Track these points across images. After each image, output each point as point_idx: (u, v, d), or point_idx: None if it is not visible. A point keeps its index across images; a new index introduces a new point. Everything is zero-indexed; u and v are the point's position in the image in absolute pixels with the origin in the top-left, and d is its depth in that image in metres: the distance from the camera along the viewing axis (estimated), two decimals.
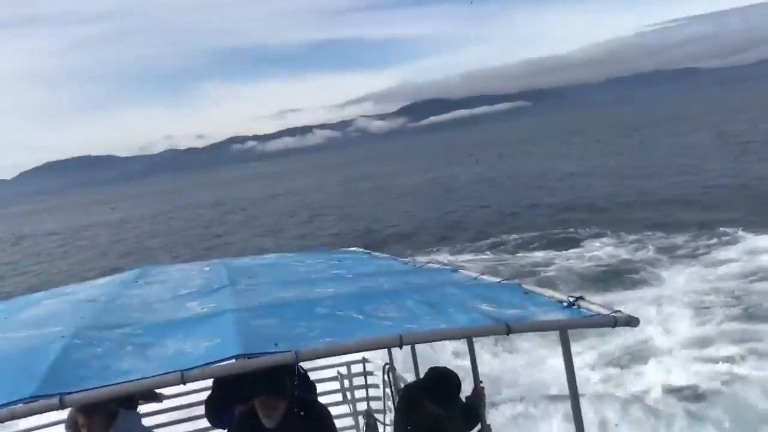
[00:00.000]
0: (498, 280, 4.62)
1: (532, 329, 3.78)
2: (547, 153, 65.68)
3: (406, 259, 6.52)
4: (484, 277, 4.84)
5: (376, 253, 7.16)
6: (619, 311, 3.30)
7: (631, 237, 20.92)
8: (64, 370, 2.88)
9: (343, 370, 7.17)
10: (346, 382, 7.12)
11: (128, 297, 5.04)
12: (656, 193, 28.51)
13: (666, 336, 12.17)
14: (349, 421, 7.07)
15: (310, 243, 30.80)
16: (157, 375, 2.75)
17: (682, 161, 38.85)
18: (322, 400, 7.01)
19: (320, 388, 7.36)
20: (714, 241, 18.66)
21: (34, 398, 2.54)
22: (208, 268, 6.44)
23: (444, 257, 22.31)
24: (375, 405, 6.86)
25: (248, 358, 2.84)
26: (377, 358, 6.90)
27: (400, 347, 3.06)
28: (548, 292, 3.99)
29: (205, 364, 2.80)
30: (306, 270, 6.01)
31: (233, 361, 2.82)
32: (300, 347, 2.87)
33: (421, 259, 20.17)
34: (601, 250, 19.77)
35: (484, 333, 3.46)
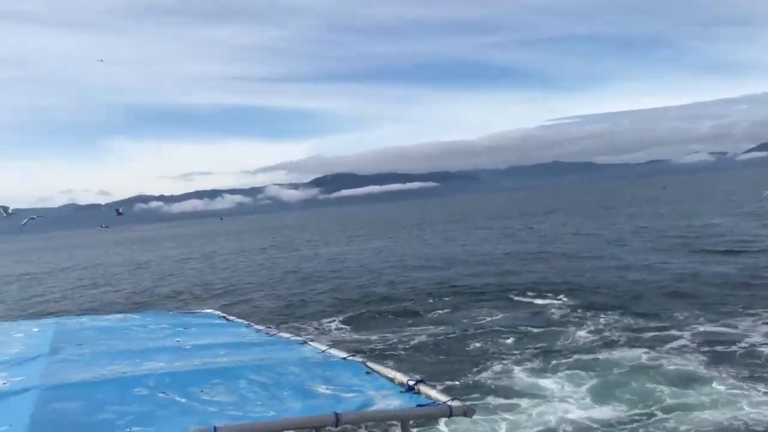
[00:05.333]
0: (344, 355, 4.47)
1: (362, 420, 3.55)
2: (453, 233, 67.35)
3: (259, 327, 6.25)
4: (332, 351, 4.71)
5: (232, 317, 6.82)
6: (456, 399, 3.23)
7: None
8: None
9: None
10: None
11: None
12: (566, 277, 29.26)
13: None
14: None
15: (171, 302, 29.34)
16: None
17: (582, 247, 40.61)
18: None
19: None
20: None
21: None
22: (36, 329, 6.03)
23: (321, 324, 21.93)
24: None
25: None
26: None
27: None
28: (391, 373, 3.89)
29: None
30: (145, 336, 5.64)
31: None
32: None
33: (284, 326, 19.54)
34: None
35: (313, 424, 3.25)
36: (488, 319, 20.85)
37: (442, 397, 3.19)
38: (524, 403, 12.46)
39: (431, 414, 3.14)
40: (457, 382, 14.13)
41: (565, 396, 12.74)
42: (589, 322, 19.02)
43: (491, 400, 12.83)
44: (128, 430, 2.79)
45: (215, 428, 2.76)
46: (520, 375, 14.33)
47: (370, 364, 4.20)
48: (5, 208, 16.00)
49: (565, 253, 37.61)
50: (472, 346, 17.36)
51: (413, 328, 20.29)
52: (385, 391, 3.55)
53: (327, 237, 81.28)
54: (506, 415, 11.89)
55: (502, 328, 19.15)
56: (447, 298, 25.12)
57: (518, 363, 15.30)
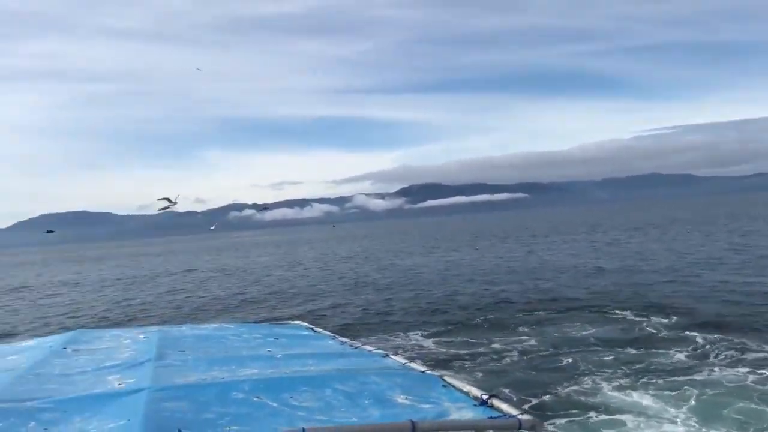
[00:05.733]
0: (423, 369, 4.72)
1: (436, 428, 3.74)
2: (542, 245, 65.81)
3: (344, 339, 6.59)
4: (412, 365, 4.93)
5: (319, 329, 7.22)
6: (526, 413, 3.35)
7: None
8: None
9: None
10: None
11: (51, 365, 4.98)
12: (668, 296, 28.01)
13: None
14: None
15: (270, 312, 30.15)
16: None
17: (682, 265, 38.61)
18: None
19: None
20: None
21: None
22: (142, 336, 6.48)
23: (406, 335, 21.86)
24: None
25: None
26: None
27: None
28: (466, 387, 4.08)
29: None
30: (239, 345, 6.06)
31: None
32: None
33: (367, 338, 19.71)
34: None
35: (390, 430, 3.54)
36: (580, 333, 20.14)
37: (513, 411, 3.36)
38: (622, 420, 11.91)
39: (501, 426, 3.26)
40: (545, 397, 13.70)
41: (666, 415, 12.06)
42: (687, 341, 18.01)
43: (584, 415, 12.36)
44: (227, 428, 3.11)
45: (303, 429, 3.03)
46: (615, 392, 13.68)
47: (447, 378, 4.39)
48: (169, 200, 17.25)
49: (659, 269, 35.85)
50: (562, 361, 16.80)
51: (498, 340, 19.91)
52: (459, 403, 3.76)
53: (411, 247, 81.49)
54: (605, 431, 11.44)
55: (595, 343, 18.44)
56: (535, 312, 24.49)
57: (612, 379, 14.65)
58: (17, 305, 43.34)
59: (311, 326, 7.49)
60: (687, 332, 19.06)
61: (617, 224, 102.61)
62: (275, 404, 3.50)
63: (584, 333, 20.16)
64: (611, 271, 36.23)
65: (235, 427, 3.14)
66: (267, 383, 3.99)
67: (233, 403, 3.48)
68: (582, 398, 13.43)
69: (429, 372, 4.65)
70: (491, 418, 3.41)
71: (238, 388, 3.79)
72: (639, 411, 12.35)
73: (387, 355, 5.44)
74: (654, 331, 19.78)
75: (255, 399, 3.58)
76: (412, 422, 3.20)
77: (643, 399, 13.08)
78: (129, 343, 6.06)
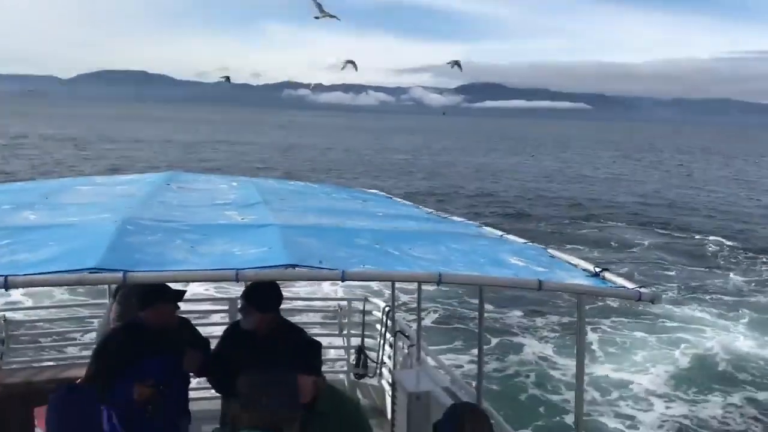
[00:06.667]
0: (524, 241, 4.56)
1: (562, 289, 3.90)
2: (605, 161, 64.57)
3: (428, 210, 6.15)
4: (510, 236, 4.74)
5: (398, 199, 6.82)
6: (643, 285, 3.36)
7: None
8: (122, 251, 2.95)
9: (344, 305, 7.31)
10: (345, 318, 7.22)
11: (165, 197, 4.94)
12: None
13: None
14: (341, 353, 7.26)
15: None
16: (214, 269, 2.82)
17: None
18: (319, 331, 7.03)
19: (319, 318, 8.12)
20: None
21: (98, 269, 2.65)
22: (235, 184, 6.29)
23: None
24: (369, 343, 7.02)
25: (294, 269, 2.85)
26: (379, 300, 7.18)
27: (438, 284, 3.08)
28: (573, 260, 3.97)
29: (259, 267, 2.85)
30: (333, 201, 5.96)
31: (285, 269, 2.84)
32: (345, 268, 2.90)
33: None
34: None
35: (518, 285, 3.55)
36: (643, 244, 20.82)
37: (628, 284, 3.29)
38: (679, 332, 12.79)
39: (622, 295, 3.25)
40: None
41: (724, 326, 13.12)
42: (744, 264, 18.72)
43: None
44: (362, 266, 3.07)
45: (440, 274, 2.99)
46: (672, 306, 14.50)
47: (550, 250, 4.28)
48: (228, 78, 17.40)
49: (720, 197, 35.54)
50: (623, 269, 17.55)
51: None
52: (573, 272, 3.65)
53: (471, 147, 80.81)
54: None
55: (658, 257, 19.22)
56: (588, 222, 25.09)
57: (674, 292, 15.49)
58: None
59: (389, 195, 7.04)
60: (744, 255, 19.76)
61: (683, 148, 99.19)
62: (397, 253, 3.43)
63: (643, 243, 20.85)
64: (668, 194, 36.03)
65: (369, 266, 3.11)
66: (382, 234, 3.91)
67: (358, 247, 3.47)
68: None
69: (530, 243, 4.51)
70: (610, 287, 3.35)
71: (359, 235, 3.75)
72: (702, 323, 13.34)
73: (481, 226, 5.22)
74: (714, 251, 20.64)
75: (376, 246, 3.53)
76: (539, 281, 3.17)
77: (704, 313, 14.03)
78: (226, 188, 5.93)
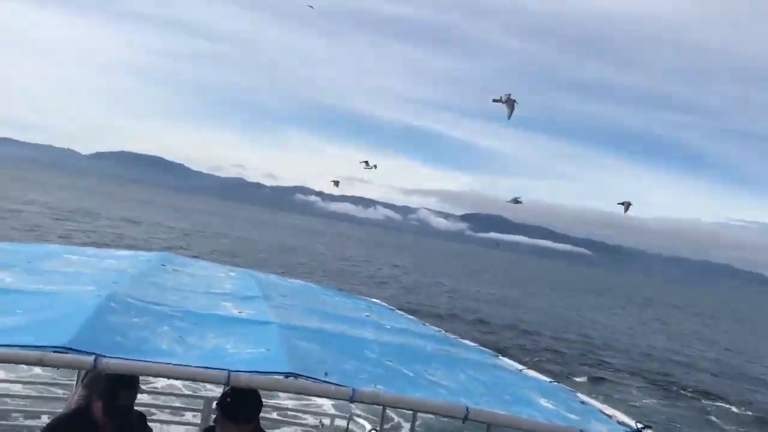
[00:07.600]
0: (548, 379, 4.18)
1: None
2: (603, 309, 64.38)
3: (435, 328, 5.71)
4: (530, 372, 4.34)
5: (400, 312, 6.34)
6: None
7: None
8: (99, 331, 2.65)
9: (327, 421, 6.76)
10: None
11: (158, 277, 4.70)
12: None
13: None
14: None
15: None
16: (201, 367, 2.48)
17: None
18: None
19: (299, 431, 7.20)
20: None
21: (66, 350, 2.30)
22: (234, 274, 6.04)
23: None
24: None
25: (296, 379, 2.53)
26: (365, 422, 6.51)
27: (463, 421, 2.68)
28: (607, 409, 3.59)
29: (255, 372, 2.52)
30: (336, 306, 5.55)
31: (284, 378, 2.52)
32: (355, 386, 2.58)
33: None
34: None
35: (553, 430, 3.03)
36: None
37: None
38: None
39: None
40: None
41: None
42: None
43: None
44: (374, 386, 2.73)
45: (467, 409, 2.67)
46: None
47: (579, 395, 3.87)
48: (369, 164, 17.39)
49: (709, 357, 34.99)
50: None
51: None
52: (611, 426, 3.25)
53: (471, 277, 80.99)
54: None
55: None
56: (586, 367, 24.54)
57: None
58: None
59: (391, 307, 6.57)
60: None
61: (675, 303, 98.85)
62: (410, 374, 3.10)
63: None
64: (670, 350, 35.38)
65: (381, 387, 2.74)
66: (393, 349, 3.59)
67: (368, 361, 3.15)
68: None
69: (554, 383, 4.12)
70: None
71: (367, 347, 3.44)
72: None
73: (497, 356, 4.87)
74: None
75: (388, 362, 3.22)
76: (581, 430, 2.84)
77: None
78: (223, 277, 5.66)
